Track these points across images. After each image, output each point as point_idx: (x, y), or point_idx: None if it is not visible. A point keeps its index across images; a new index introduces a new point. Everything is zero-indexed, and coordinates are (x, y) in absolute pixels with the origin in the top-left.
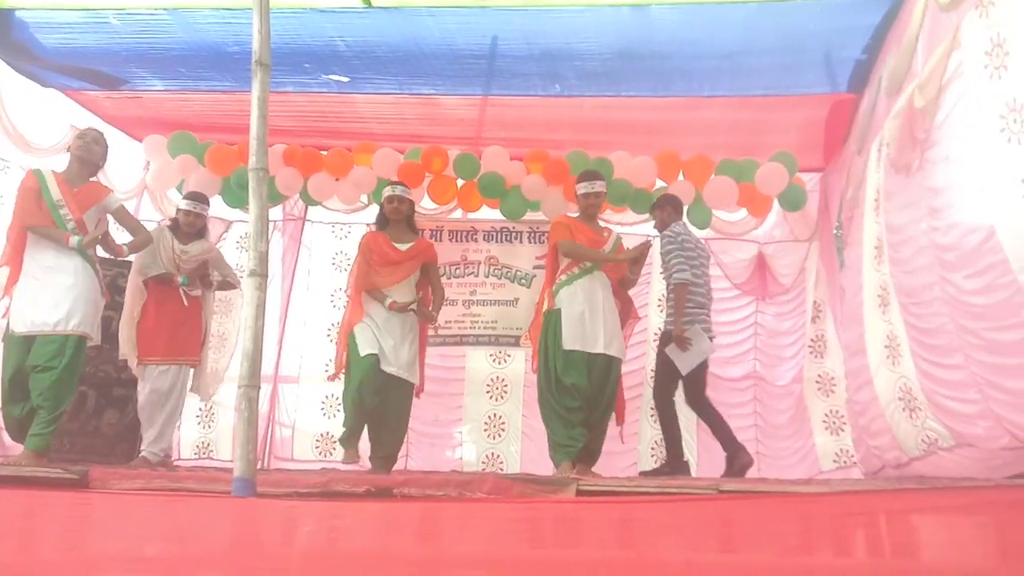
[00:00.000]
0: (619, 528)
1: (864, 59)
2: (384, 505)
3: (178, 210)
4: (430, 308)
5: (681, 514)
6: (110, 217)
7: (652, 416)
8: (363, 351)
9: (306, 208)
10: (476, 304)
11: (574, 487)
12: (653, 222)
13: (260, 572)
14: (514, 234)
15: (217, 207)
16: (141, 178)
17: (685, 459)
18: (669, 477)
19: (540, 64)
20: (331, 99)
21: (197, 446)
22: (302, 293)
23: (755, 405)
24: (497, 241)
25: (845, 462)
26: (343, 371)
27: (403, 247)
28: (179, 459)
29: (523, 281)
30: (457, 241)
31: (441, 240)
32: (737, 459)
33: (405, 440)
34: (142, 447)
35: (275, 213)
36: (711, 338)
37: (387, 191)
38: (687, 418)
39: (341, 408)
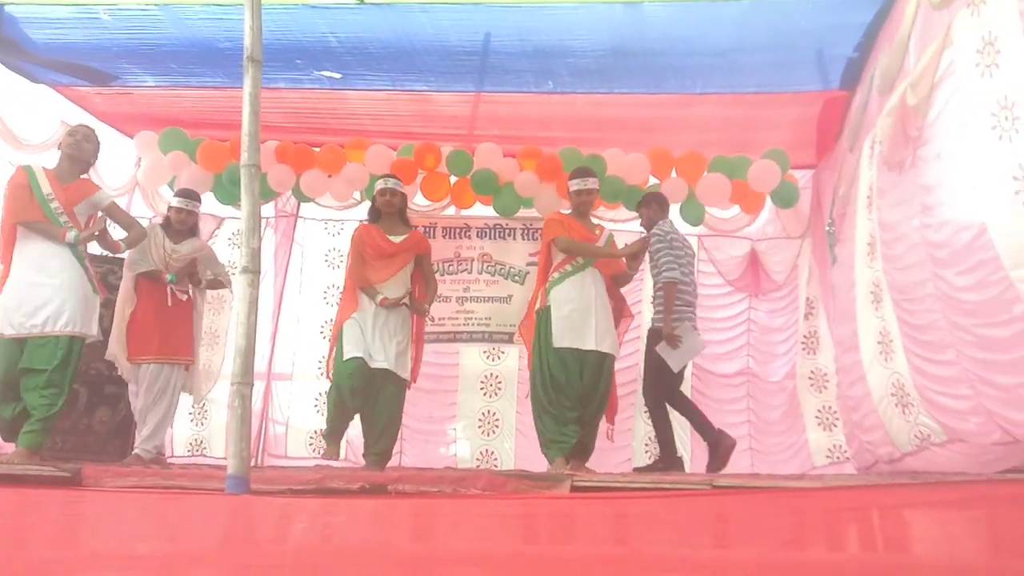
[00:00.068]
0: (613, 524)
1: (856, 57)
2: (378, 502)
3: (169, 207)
4: (422, 302)
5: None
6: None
7: (646, 412)
8: (347, 353)
9: (298, 205)
10: (470, 301)
11: (568, 483)
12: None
13: (254, 569)
14: (507, 231)
15: (209, 204)
16: (132, 175)
17: (679, 455)
18: (663, 473)
19: (533, 61)
20: (324, 95)
21: (190, 443)
22: (295, 290)
23: (748, 401)
24: (490, 238)
25: (838, 457)
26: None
27: (397, 239)
28: (172, 456)
29: (516, 278)
30: (450, 238)
31: (434, 237)
32: (721, 444)
33: (399, 437)
34: (135, 444)
35: (267, 210)
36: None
37: (380, 184)
38: (679, 414)
39: None
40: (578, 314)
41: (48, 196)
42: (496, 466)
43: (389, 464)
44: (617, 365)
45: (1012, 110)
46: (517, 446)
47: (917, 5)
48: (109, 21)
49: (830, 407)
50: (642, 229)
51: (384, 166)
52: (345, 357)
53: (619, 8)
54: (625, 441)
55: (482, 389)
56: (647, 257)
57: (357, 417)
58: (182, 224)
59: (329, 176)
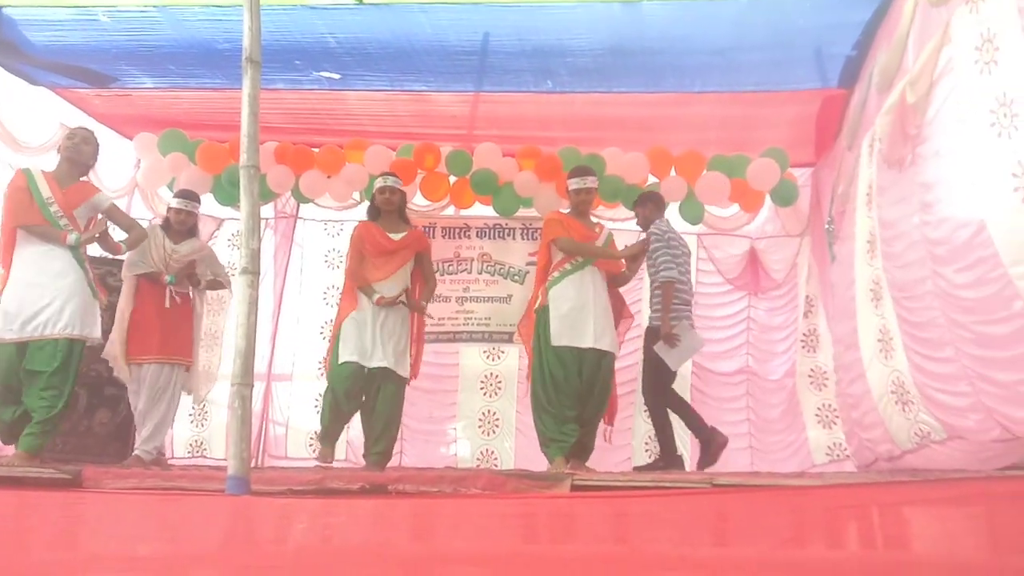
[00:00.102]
0: (613, 522)
1: (854, 55)
2: (378, 502)
3: (168, 208)
4: (420, 299)
5: (675, 508)
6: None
7: (646, 411)
8: (343, 356)
9: (298, 206)
10: (469, 301)
11: (568, 482)
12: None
13: (255, 570)
14: (507, 231)
15: (208, 205)
16: (132, 176)
17: (679, 453)
18: (663, 471)
19: (532, 60)
20: (322, 96)
21: (190, 444)
22: (294, 291)
23: (748, 400)
24: (490, 238)
25: (838, 455)
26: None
27: (397, 236)
28: (172, 458)
29: (516, 277)
30: (450, 238)
31: (434, 237)
32: (713, 441)
33: (399, 437)
34: (136, 445)
35: (267, 211)
36: None
37: (379, 182)
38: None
39: None
40: (576, 312)
41: (48, 199)
42: (496, 466)
43: (389, 464)
44: (617, 365)
45: (1011, 107)
46: (517, 445)
47: (915, 3)
48: (108, 23)
49: (830, 405)
50: (640, 228)
51: (383, 166)
52: (341, 360)
53: (617, 7)
54: (625, 440)
55: (482, 389)
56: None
57: (357, 417)
58: (181, 225)
59: (328, 177)
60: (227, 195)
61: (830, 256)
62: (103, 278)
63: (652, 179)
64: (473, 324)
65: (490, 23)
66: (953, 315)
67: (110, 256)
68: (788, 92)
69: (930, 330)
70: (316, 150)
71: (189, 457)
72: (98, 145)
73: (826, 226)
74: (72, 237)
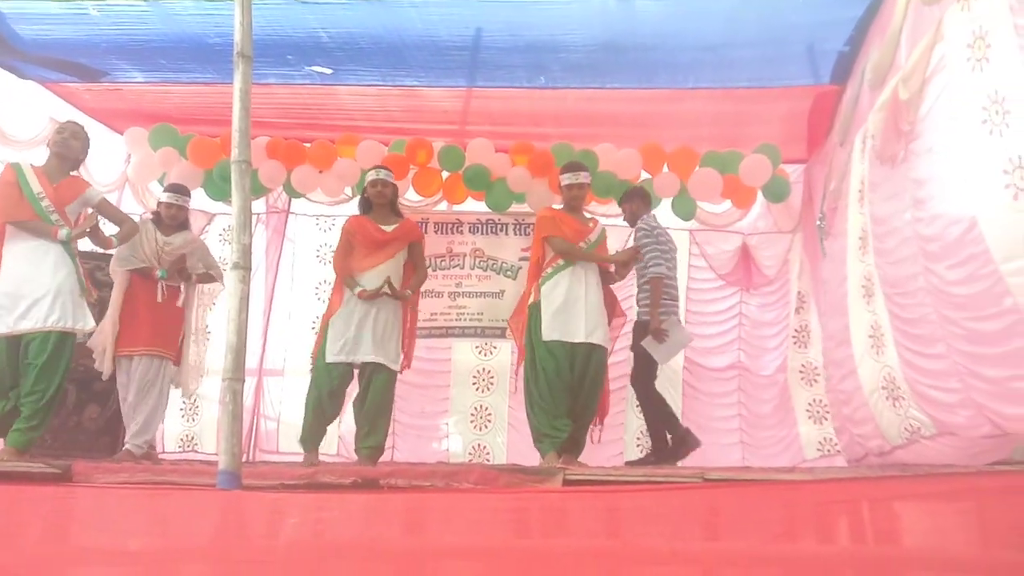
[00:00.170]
0: (605, 517)
1: (847, 51)
2: (370, 496)
3: (159, 203)
4: (405, 288)
5: (667, 502)
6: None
7: (637, 407)
8: (329, 355)
9: (289, 201)
10: (462, 296)
11: (560, 477)
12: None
13: (246, 564)
14: (499, 226)
15: (199, 200)
16: (122, 171)
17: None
18: (655, 466)
19: (525, 56)
20: (314, 91)
21: (181, 439)
22: (286, 286)
23: (739, 395)
24: (482, 233)
25: (829, 450)
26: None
27: (388, 228)
28: (163, 452)
29: (509, 273)
30: (442, 233)
31: (426, 232)
32: (685, 443)
33: (391, 432)
34: (126, 440)
35: (258, 206)
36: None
37: (371, 175)
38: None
39: None
40: (569, 307)
41: (39, 195)
42: (488, 460)
43: (381, 459)
44: (608, 362)
45: (1002, 104)
46: (509, 440)
47: (908, 0)
48: (98, 17)
49: (821, 400)
50: (627, 223)
51: (375, 162)
52: (327, 359)
53: (610, 3)
54: (617, 435)
55: (474, 384)
56: None
57: (350, 412)
58: (172, 219)
59: (320, 172)
60: (218, 190)
61: (821, 252)
62: (91, 273)
63: (645, 175)
64: (465, 319)
65: (482, 18)
66: (944, 311)
67: (99, 251)
68: (781, 88)
69: (921, 326)
70: (308, 145)
71: (180, 452)
72: (88, 140)
73: (817, 222)
74: (63, 232)
